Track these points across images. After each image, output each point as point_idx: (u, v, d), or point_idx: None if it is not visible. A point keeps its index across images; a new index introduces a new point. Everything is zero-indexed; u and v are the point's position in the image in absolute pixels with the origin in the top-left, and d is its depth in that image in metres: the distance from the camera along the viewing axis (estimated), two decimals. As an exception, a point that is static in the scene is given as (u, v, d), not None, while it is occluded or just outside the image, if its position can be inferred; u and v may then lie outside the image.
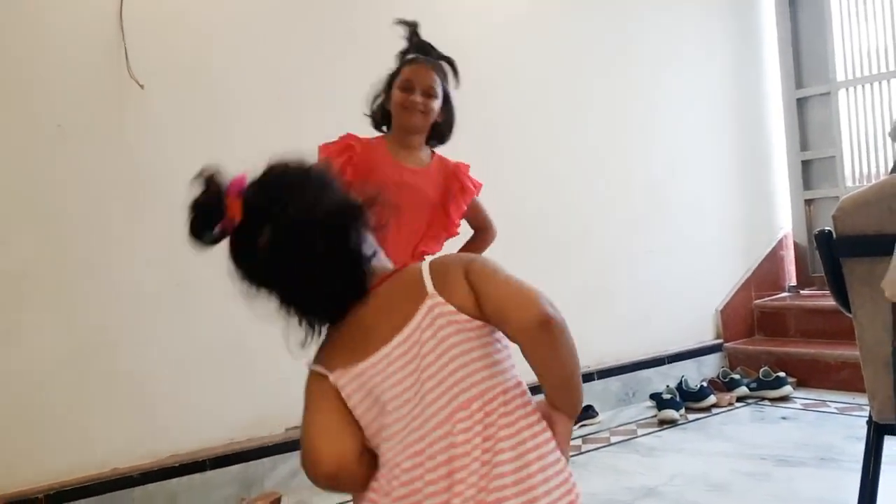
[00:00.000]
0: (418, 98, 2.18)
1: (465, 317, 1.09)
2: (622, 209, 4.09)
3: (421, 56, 2.27)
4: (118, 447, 2.69)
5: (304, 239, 1.10)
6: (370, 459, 1.12)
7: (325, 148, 2.20)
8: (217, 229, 1.09)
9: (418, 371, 1.08)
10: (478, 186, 2.35)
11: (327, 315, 1.16)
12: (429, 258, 1.22)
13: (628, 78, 4.16)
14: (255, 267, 1.12)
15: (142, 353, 2.76)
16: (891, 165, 2.78)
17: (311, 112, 3.03)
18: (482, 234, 2.43)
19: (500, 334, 1.12)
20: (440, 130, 2.29)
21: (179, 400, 2.81)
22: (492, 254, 3.45)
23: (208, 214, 1.09)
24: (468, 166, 2.34)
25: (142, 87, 2.75)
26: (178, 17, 2.88)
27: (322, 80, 3.12)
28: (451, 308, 1.09)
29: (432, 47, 2.31)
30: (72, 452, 2.61)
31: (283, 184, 1.14)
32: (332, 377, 1.11)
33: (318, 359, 1.15)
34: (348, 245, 1.13)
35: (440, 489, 1.04)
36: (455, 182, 2.30)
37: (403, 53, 2.29)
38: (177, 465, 2.75)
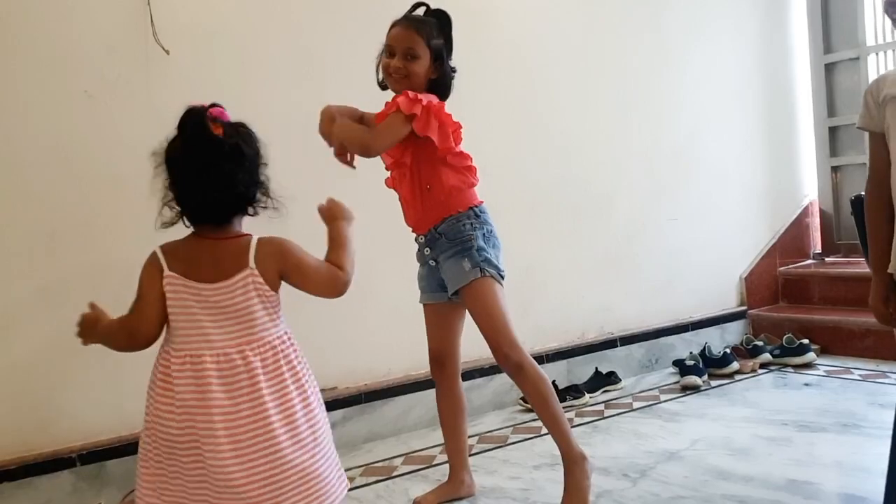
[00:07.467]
0: (399, 63, 2.20)
1: (268, 288, 1.56)
2: (646, 175, 4.07)
3: (403, 17, 2.28)
4: (148, 408, 2.74)
5: (230, 160, 1.53)
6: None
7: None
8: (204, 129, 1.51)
9: (221, 310, 1.55)
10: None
11: (194, 215, 1.58)
12: (258, 236, 1.60)
13: (654, 43, 4.12)
14: (191, 158, 1.53)
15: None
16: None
17: (337, 76, 3.02)
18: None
19: (280, 305, 1.60)
20: (435, 88, 2.26)
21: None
22: (517, 218, 3.46)
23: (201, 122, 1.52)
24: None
25: (167, 52, 2.76)
26: (202, -19, 2.89)
27: (349, 44, 3.11)
28: (262, 280, 1.55)
29: (423, 4, 2.32)
30: (105, 413, 2.65)
31: (249, 133, 1.60)
32: (167, 274, 1.57)
33: (164, 252, 1.60)
34: (245, 183, 1.56)
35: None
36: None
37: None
38: (205, 426, 2.79)
